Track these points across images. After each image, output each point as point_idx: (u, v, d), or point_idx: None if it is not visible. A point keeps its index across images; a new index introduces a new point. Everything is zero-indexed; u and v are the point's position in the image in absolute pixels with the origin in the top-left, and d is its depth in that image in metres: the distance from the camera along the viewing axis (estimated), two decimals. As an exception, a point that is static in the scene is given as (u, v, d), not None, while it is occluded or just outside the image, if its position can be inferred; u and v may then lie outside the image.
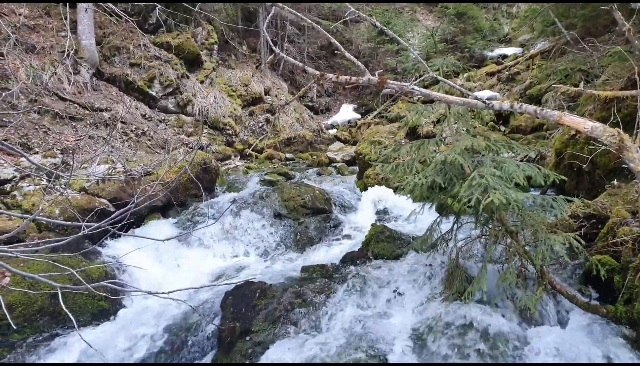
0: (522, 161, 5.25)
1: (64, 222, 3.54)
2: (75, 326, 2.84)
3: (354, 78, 3.66)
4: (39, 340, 3.85)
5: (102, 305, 4.36)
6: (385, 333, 3.63)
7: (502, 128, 10.78)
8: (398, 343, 3.50)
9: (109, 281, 3.48)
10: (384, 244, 5.35)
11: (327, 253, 5.95)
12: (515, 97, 11.37)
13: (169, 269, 5.28)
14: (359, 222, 6.97)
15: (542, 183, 3.52)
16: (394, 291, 4.27)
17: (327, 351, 3.42)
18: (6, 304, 2.85)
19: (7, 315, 2.84)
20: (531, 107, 3.22)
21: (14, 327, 3.01)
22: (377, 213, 7.50)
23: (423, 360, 3.28)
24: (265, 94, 14.14)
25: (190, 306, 3.37)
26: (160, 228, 6.01)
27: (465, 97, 3.60)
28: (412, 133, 10.31)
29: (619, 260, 3.48)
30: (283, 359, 3.45)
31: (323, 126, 14.72)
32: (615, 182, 4.53)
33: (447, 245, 4.39)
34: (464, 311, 3.60)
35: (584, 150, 5.00)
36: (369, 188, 7.97)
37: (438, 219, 4.55)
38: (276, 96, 14.34)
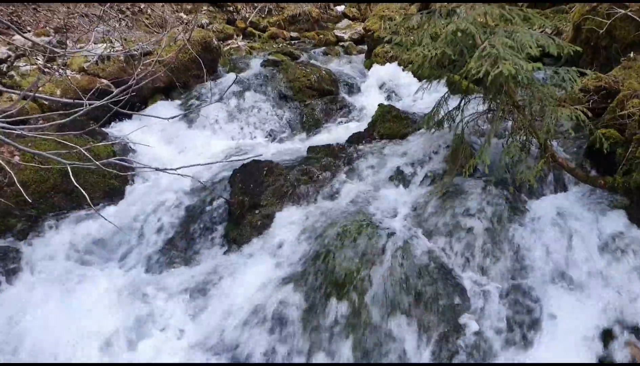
0: (537, 33, 4.98)
1: (65, 100, 3.52)
2: (89, 201, 2.93)
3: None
4: (56, 215, 4.06)
5: (113, 184, 4.50)
6: (387, 205, 3.77)
7: (520, 4, 10.12)
8: (400, 213, 3.64)
9: (118, 158, 3.56)
10: (391, 124, 5.32)
11: (333, 134, 5.97)
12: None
13: (176, 150, 5.37)
14: (367, 103, 6.88)
15: (555, 53, 3.38)
16: (399, 167, 4.34)
17: (332, 220, 3.59)
18: (19, 181, 2.94)
19: (22, 190, 2.95)
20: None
21: (30, 201, 3.15)
22: (385, 92, 7.37)
23: (423, 230, 3.44)
24: (267, -33, 13.14)
25: (200, 181, 3.47)
26: (164, 108, 5.98)
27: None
28: (425, 9, 9.73)
29: (624, 134, 3.46)
30: (290, 228, 3.64)
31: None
32: (631, 54, 4.33)
33: (454, 122, 4.36)
34: (465, 184, 3.69)
35: (604, 23, 4.72)
36: (378, 67, 7.74)
37: (446, 95, 4.46)
38: (278, -32, 13.33)
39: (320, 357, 2.93)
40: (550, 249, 3.11)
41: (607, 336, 2.68)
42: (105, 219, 2.95)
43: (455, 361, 2.78)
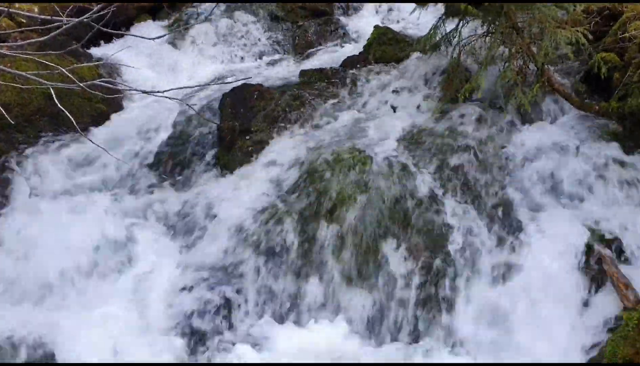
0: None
1: (43, 16, 3.35)
2: (74, 124, 2.87)
3: None
4: (42, 139, 4.01)
5: (100, 108, 4.40)
6: (380, 130, 3.73)
7: None
8: (392, 138, 3.62)
9: (103, 79, 3.43)
10: (386, 47, 5.15)
11: (326, 58, 5.79)
12: None
13: (164, 73, 5.23)
14: (362, 25, 6.61)
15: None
16: (393, 92, 4.28)
17: (324, 145, 3.60)
18: (1, 103, 2.86)
19: (4, 113, 2.87)
20: None
21: (14, 124, 3.08)
22: (383, 14, 7.10)
23: (415, 155, 3.44)
24: None
25: (188, 105, 3.39)
26: (151, 29, 5.75)
27: None
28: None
29: (623, 58, 3.38)
30: (281, 154, 3.65)
31: None
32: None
33: (451, 45, 4.22)
34: (459, 109, 3.67)
35: None
36: (376, -14, 7.39)
37: (443, 17, 4.29)
38: None
39: (311, 277, 3.04)
40: (540, 172, 3.15)
41: (588, 251, 2.80)
42: (93, 142, 2.91)
43: (447, 273, 2.92)
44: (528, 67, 3.61)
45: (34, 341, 2.73)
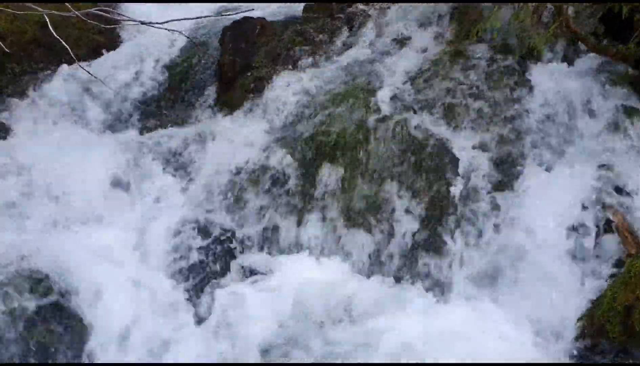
0: None
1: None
2: (71, 53, 2.78)
3: None
4: (39, 70, 3.98)
5: (98, 40, 4.31)
6: (387, 70, 3.63)
7: None
8: (399, 79, 3.54)
9: (98, 8, 3.29)
10: (396, -18, 4.95)
11: (331, -6, 5.58)
12: None
13: (161, 6, 5.04)
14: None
15: None
16: (401, 31, 4.11)
17: (327, 85, 3.55)
18: (-5, 32, 2.77)
19: (-1, 41, 2.78)
20: None
21: (9, 51, 2.99)
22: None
23: (421, 97, 3.37)
24: None
25: (188, 37, 3.27)
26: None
27: None
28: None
29: (646, -2, 3.21)
30: (283, 92, 3.58)
31: None
32: None
33: (465, -22, 4.03)
34: (470, 49, 3.54)
35: None
36: None
37: (457, -50, 4.06)
38: None
39: (312, 217, 3.05)
40: (550, 117, 3.10)
41: (594, 197, 2.78)
42: (90, 73, 2.85)
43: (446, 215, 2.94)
44: (545, 6, 3.45)
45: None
